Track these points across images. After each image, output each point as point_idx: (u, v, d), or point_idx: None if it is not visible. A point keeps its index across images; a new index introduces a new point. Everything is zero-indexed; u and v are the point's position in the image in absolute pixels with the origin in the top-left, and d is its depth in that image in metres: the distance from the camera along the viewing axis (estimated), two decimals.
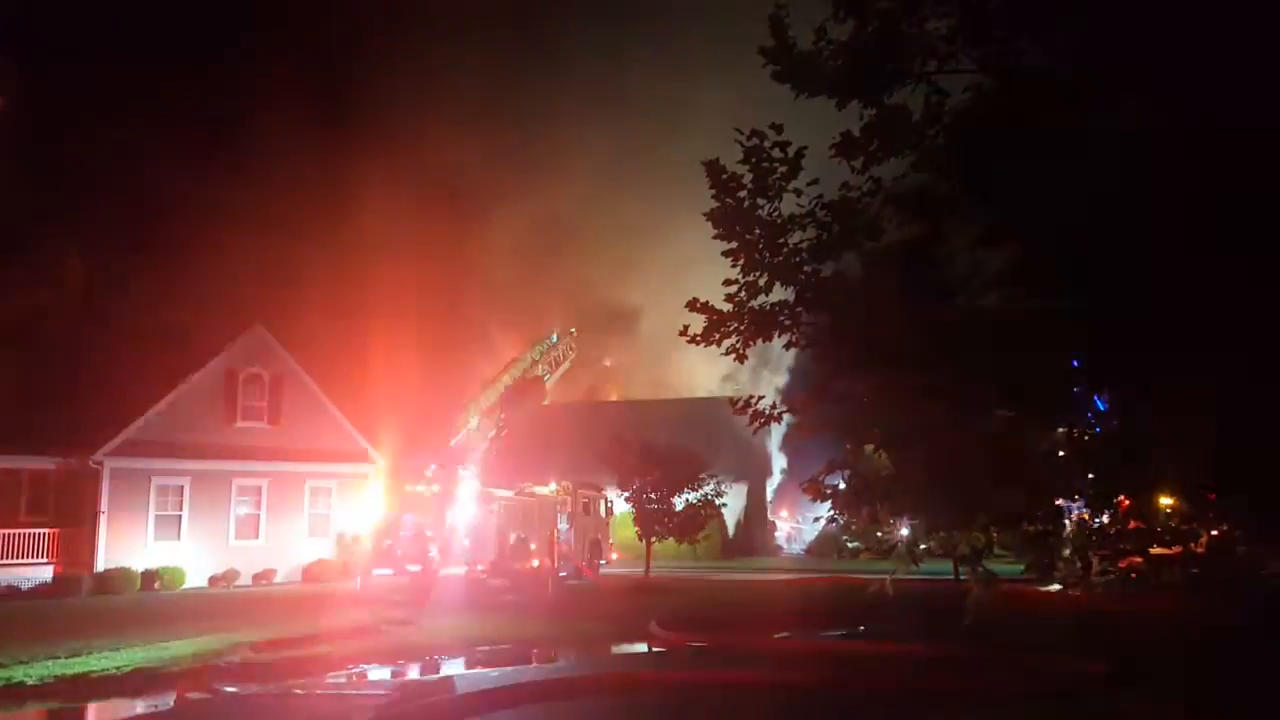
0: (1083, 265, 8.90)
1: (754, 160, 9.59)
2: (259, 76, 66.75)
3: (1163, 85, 8.36)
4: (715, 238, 10.08)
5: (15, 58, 43.29)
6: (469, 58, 66.82)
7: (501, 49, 70.24)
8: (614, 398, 55.84)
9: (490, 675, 13.36)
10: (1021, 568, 12.62)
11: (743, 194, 9.80)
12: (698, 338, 10.44)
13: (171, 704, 11.25)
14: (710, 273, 11.39)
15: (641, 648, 16.42)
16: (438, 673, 13.90)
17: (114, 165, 52.28)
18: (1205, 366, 8.48)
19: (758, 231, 9.90)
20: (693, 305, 10.41)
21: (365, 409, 32.39)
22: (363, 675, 13.63)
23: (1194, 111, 8.13)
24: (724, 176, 9.83)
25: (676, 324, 10.91)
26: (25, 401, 26.65)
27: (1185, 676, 11.27)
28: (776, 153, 9.53)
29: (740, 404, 10.74)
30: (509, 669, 14.02)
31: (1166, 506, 11.28)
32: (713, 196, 9.94)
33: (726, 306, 10.26)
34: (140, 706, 11.48)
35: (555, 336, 33.31)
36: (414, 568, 23.41)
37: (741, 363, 10.91)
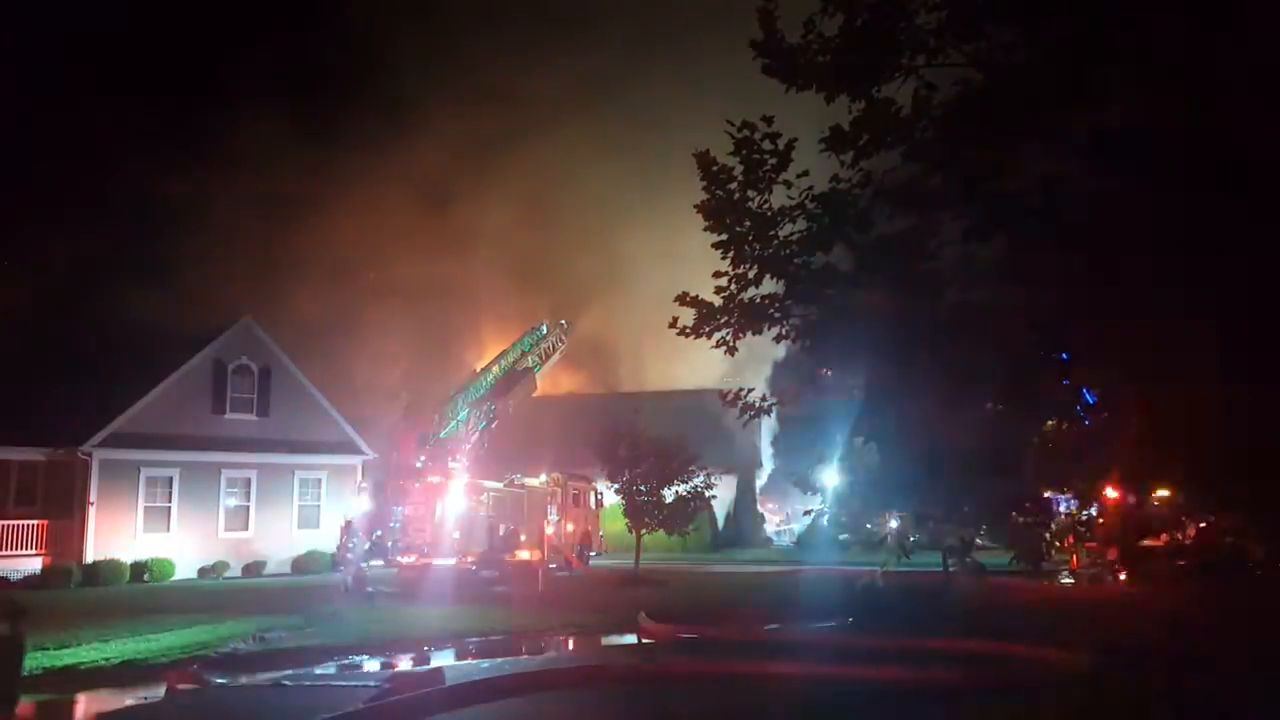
0: (1072, 259, 8.93)
1: (744, 152, 9.58)
2: (247, 69, 66.39)
3: (1152, 80, 8.37)
4: (706, 229, 10.07)
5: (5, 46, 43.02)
6: (456, 48, 66.64)
7: (488, 38, 69.89)
8: (601, 388, 55.73)
9: (480, 666, 13.37)
10: (1009, 559, 12.67)
11: (733, 186, 9.79)
12: (687, 331, 10.42)
13: (161, 695, 11.22)
14: (702, 266, 11.37)
15: (631, 639, 16.45)
16: (427, 664, 13.90)
17: (101, 155, 52.01)
18: (1195, 362, 8.51)
19: (748, 223, 9.90)
20: (682, 299, 10.38)
21: (354, 400, 32.37)
22: (351, 666, 13.63)
23: (1185, 106, 8.14)
24: (714, 168, 9.81)
25: (666, 314, 10.87)
26: (13, 393, 26.53)
27: (1172, 666, 11.32)
28: (767, 144, 9.52)
29: (731, 396, 10.74)
30: (499, 660, 14.03)
31: (1158, 498, 11.36)
32: (703, 189, 9.93)
33: (717, 300, 10.24)
34: (129, 698, 11.46)
35: (545, 328, 33.22)
36: (408, 559, 23.43)
37: (732, 355, 10.89)
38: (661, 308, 11.04)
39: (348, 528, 23.82)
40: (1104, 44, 8.36)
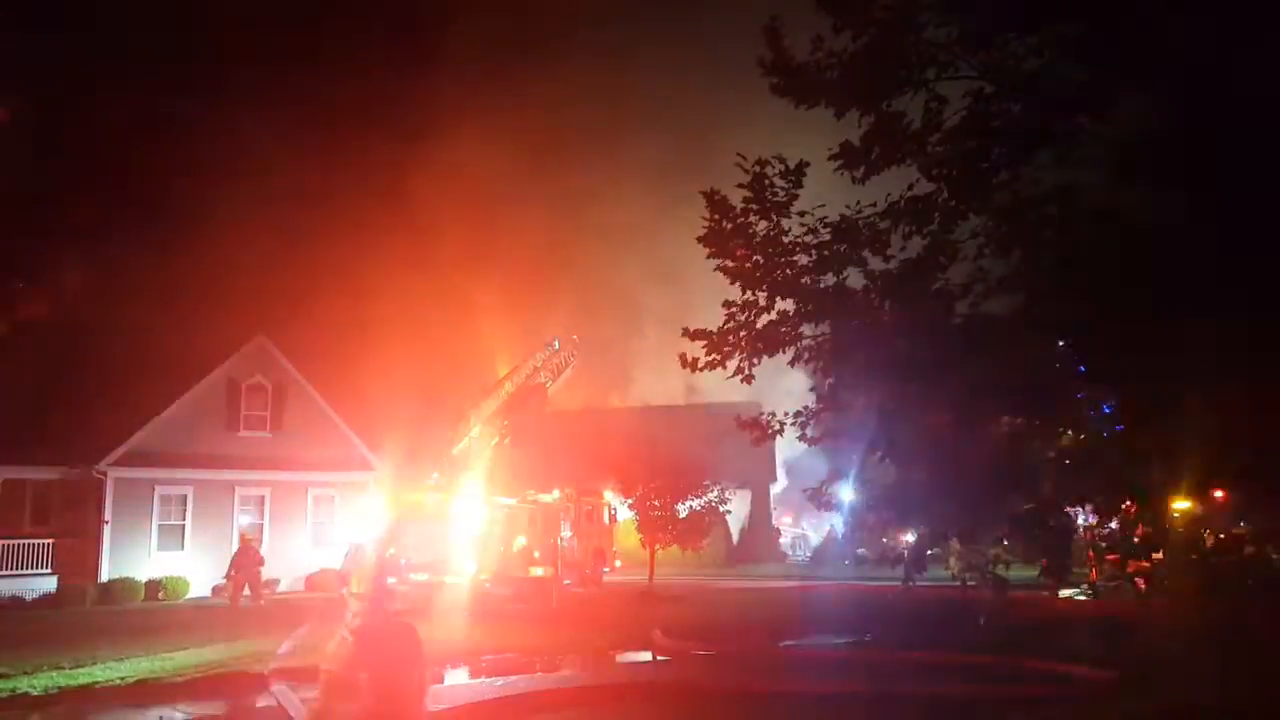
0: (1085, 270, 8.88)
1: (756, 189, 9.55)
2: (262, 87, 66.84)
3: (1162, 83, 8.33)
4: (709, 256, 10.03)
5: (15, 62, 43.35)
6: (476, 65, 66.97)
7: (502, 55, 70.33)
8: (615, 403, 55.69)
9: (494, 685, 13.30)
10: (1033, 574, 12.55)
11: (740, 218, 9.76)
12: (699, 365, 10.35)
13: (176, 715, 11.19)
14: (717, 283, 11.32)
15: (646, 656, 16.36)
16: (442, 682, 13.83)
17: (116, 173, 52.37)
18: (1209, 369, 8.44)
19: (756, 245, 9.86)
20: (689, 334, 10.30)
21: (367, 417, 32.38)
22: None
23: (1193, 110, 8.10)
24: (722, 204, 9.80)
25: (680, 323, 10.81)
26: (28, 412, 26.66)
27: (1193, 681, 11.19)
28: (780, 181, 9.50)
29: (748, 420, 10.67)
30: (513, 678, 13.95)
31: (1178, 510, 11.26)
32: (711, 223, 9.90)
33: (728, 325, 10.18)
34: (145, 718, 11.44)
35: (557, 344, 33.26)
36: (420, 576, 23.36)
37: (749, 384, 10.80)
38: (675, 321, 11.01)
39: (356, 551, 23.77)
40: (1113, 47, 8.34)
